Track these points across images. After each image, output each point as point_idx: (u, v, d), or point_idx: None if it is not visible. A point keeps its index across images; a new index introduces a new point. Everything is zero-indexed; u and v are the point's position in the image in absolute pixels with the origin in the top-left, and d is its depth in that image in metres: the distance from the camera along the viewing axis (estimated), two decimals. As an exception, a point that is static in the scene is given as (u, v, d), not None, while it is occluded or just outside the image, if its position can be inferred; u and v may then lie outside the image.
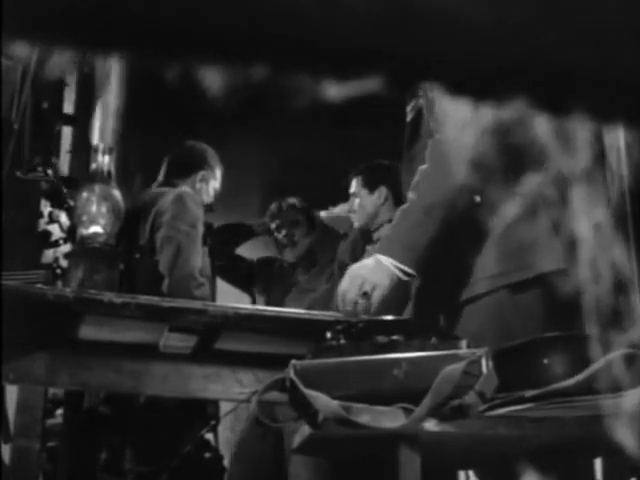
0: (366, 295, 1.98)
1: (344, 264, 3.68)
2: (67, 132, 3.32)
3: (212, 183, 3.41)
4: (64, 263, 2.03)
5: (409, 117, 2.30)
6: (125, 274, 2.09)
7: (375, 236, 3.45)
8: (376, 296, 1.98)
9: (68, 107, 3.30)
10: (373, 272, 2.01)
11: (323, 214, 3.79)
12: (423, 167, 2.08)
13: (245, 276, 3.82)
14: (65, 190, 2.27)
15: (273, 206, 3.78)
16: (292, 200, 3.75)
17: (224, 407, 3.17)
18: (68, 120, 3.04)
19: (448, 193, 1.98)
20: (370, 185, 3.47)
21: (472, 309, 2.04)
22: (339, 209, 3.72)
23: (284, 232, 3.71)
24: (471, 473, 2.09)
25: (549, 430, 1.56)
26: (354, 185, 3.52)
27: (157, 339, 1.88)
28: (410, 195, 2.07)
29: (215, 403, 3.16)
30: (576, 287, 1.96)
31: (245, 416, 3.37)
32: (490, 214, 2.04)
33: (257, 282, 3.82)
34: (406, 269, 1.99)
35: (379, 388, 1.52)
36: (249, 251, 3.92)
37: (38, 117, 2.63)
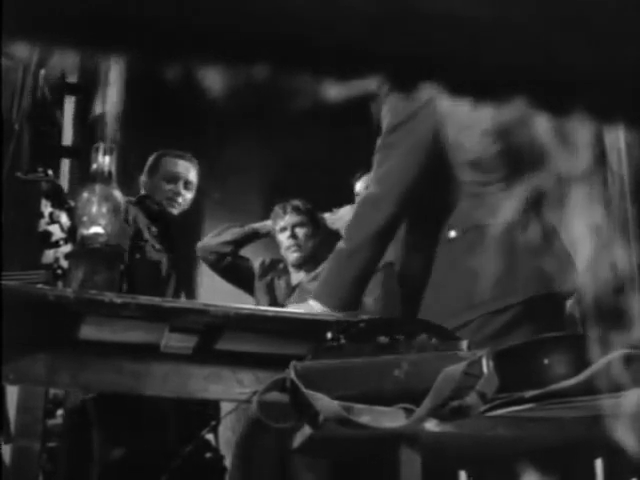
0: None
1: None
2: (68, 132, 3.33)
3: (158, 178, 3.55)
4: (65, 263, 2.03)
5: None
6: (126, 274, 2.09)
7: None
8: None
9: (68, 107, 3.30)
10: None
11: (327, 216, 3.80)
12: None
13: (248, 277, 3.82)
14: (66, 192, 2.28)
15: (277, 207, 3.79)
16: (296, 202, 3.76)
17: (225, 407, 3.17)
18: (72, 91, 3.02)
19: (367, 238, 2.16)
20: None
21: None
22: (343, 211, 3.73)
23: (288, 233, 3.72)
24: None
25: (549, 430, 1.55)
26: (364, 182, 3.53)
27: (158, 339, 1.88)
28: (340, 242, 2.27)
29: (215, 403, 3.16)
30: (564, 303, 2.00)
31: (246, 417, 3.36)
32: (489, 217, 2.05)
33: (260, 284, 3.82)
34: (332, 312, 2.13)
35: (380, 388, 1.52)
36: (252, 252, 3.93)
37: (38, 117, 2.63)
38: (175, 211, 3.54)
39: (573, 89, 0.58)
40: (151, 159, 3.64)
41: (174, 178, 3.55)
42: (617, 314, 1.70)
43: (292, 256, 3.72)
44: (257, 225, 3.87)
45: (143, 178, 3.59)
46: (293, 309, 2.32)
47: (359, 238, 2.18)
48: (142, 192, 3.57)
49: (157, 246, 3.38)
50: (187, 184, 3.58)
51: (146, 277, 3.28)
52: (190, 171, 3.60)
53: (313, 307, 2.16)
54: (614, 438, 1.42)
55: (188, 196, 3.59)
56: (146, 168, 3.62)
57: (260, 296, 3.78)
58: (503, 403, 1.53)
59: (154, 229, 3.41)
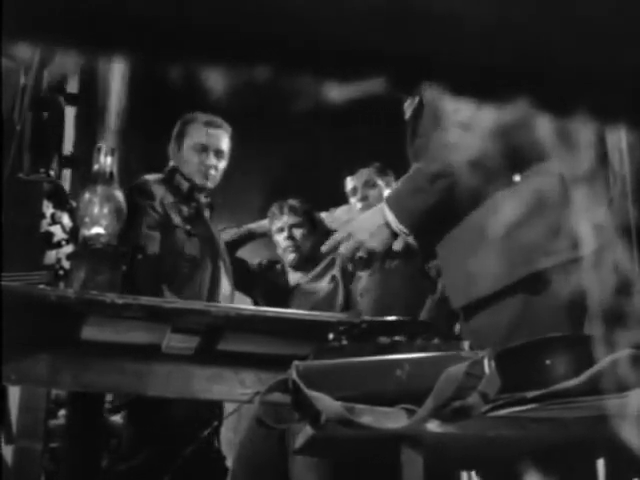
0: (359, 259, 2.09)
1: (346, 266, 3.69)
2: (69, 132, 3.32)
3: (186, 148, 3.36)
4: (66, 264, 2.03)
5: (407, 115, 2.29)
6: (127, 275, 2.09)
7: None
8: (367, 260, 2.09)
9: (69, 109, 3.30)
10: (370, 236, 2.06)
11: (324, 215, 3.80)
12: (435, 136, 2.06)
13: (246, 278, 3.81)
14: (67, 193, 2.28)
15: (274, 208, 3.77)
16: (293, 202, 3.74)
17: (227, 408, 3.17)
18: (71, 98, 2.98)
19: (453, 165, 1.94)
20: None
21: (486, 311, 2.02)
22: (340, 210, 3.73)
23: (285, 234, 3.71)
24: (473, 474, 2.09)
25: (552, 431, 1.55)
26: (368, 176, 3.55)
27: (159, 340, 1.88)
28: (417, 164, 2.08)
29: (217, 404, 3.16)
30: (578, 286, 1.95)
31: (248, 417, 3.37)
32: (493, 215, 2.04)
33: (258, 284, 3.81)
34: (403, 229, 2.02)
35: (381, 389, 1.52)
36: (250, 253, 3.92)
37: (40, 117, 2.63)
38: (209, 184, 3.35)
39: (574, 90, 0.58)
40: (178, 125, 3.41)
41: (203, 149, 3.32)
42: (620, 314, 1.70)
43: (290, 257, 3.70)
44: (254, 225, 3.85)
45: (171, 146, 3.38)
46: (361, 220, 2.12)
47: (446, 162, 1.94)
48: (171, 163, 3.38)
49: (189, 230, 3.22)
50: (218, 153, 3.36)
51: (178, 270, 3.15)
52: (220, 139, 3.38)
53: (383, 211, 2.03)
54: (619, 438, 1.42)
55: (221, 166, 3.37)
56: (173, 135, 3.40)
57: (258, 297, 3.77)
58: (505, 403, 1.53)
59: (185, 210, 3.25)
